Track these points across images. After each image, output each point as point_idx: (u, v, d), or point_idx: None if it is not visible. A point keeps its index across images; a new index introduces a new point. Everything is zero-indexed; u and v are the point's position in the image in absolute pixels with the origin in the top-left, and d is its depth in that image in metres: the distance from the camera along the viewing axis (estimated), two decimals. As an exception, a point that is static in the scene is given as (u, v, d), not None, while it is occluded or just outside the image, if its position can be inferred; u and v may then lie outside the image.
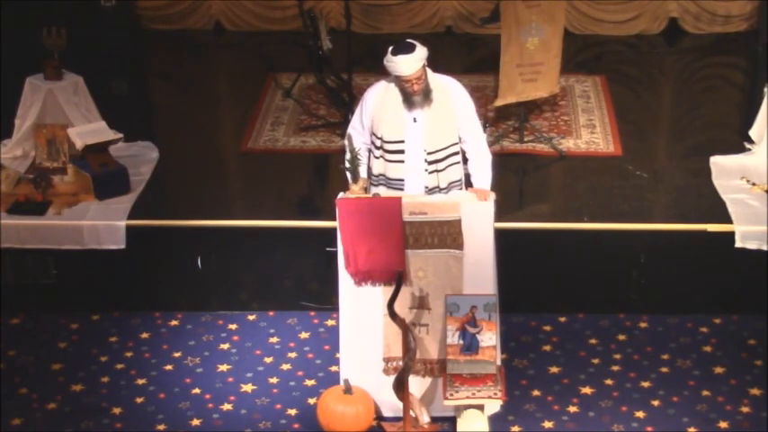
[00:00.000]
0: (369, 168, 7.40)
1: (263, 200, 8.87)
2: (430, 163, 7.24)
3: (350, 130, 7.41)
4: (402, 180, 7.28)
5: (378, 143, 7.27)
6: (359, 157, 7.15)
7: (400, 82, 7.14)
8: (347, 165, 7.16)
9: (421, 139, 7.21)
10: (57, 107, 9.20)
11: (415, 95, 7.14)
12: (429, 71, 7.19)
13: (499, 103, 9.35)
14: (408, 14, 11.66)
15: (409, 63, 7.04)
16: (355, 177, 7.19)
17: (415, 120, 7.20)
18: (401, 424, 7.21)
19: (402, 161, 7.25)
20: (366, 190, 7.27)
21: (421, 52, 7.07)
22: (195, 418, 7.47)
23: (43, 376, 7.86)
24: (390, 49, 7.10)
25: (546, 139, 9.45)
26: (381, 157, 7.28)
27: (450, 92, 7.24)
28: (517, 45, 9.07)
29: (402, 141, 7.22)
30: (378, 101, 7.25)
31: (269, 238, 8.43)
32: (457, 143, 7.30)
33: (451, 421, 7.31)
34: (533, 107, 9.85)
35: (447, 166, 7.28)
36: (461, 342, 7.00)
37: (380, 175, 7.33)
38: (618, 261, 8.32)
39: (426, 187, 7.27)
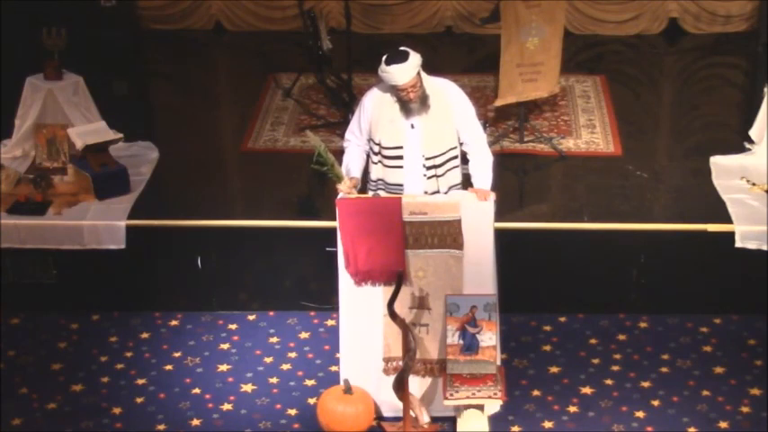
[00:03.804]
0: (367, 173, 7.38)
1: (263, 200, 8.87)
2: (429, 168, 7.22)
3: (348, 134, 7.39)
4: (401, 185, 7.26)
5: (376, 149, 7.25)
6: (323, 155, 7.07)
7: (396, 91, 7.10)
8: (316, 167, 7.12)
9: (419, 144, 7.19)
10: (57, 107, 9.20)
11: (411, 103, 7.11)
12: (424, 75, 7.15)
13: (499, 103, 9.35)
14: (408, 14, 11.67)
15: (403, 72, 6.99)
16: (338, 177, 7.16)
17: (412, 126, 7.18)
18: (401, 424, 7.21)
19: (401, 166, 7.24)
20: (356, 188, 7.25)
21: (414, 59, 7.02)
22: (195, 418, 7.47)
23: (43, 376, 7.87)
24: (384, 58, 7.05)
25: (546, 139, 9.45)
26: (380, 162, 7.27)
27: (447, 96, 7.20)
28: (517, 45, 9.07)
29: (400, 147, 7.20)
30: (375, 107, 7.21)
31: (269, 238, 8.43)
32: (456, 147, 7.28)
33: (451, 421, 7.32)
34: (533, 107, 9.85)
35: (446, 171, 7.26)
36: (461, 342, 7.01)
37: (379, 180, 7.32)
38: (618, 261, 8.32)
39: (426, 192, 7.25)
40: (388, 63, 7.02)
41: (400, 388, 7.05)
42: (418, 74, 7.06)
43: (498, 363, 7.16)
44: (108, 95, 10.02)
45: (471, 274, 7.15)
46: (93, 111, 9.36)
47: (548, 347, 8.05)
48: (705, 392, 7.60)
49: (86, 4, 11.23)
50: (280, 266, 8.42)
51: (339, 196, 7.15)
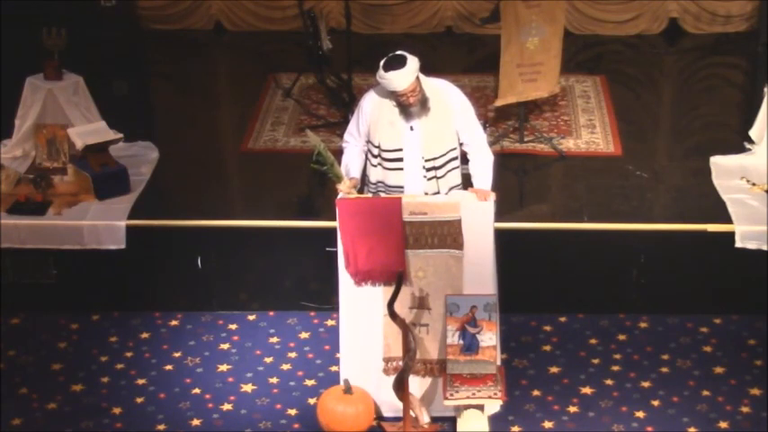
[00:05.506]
0: (366, 175, 7.37)
1: (263, 200, 8.87)
2: (429, 170, 7.21)
3: (346, 136, 7.38)
4: (401, 187, 7.25)
5: (375, 151, 7.24)
6: (323, 153, 7.06)
7: (396, 96, 7.07)
8: (315, 166, 7.12)
9: (419, 146, 7.18)
10: (57, 107, 9.20)
11: (411, 107, 7.10)
12: (423, 78, 7.12)
13: (499, 103, 9.35)
14: (408, 14, 11.67)
15: (402, 77, 6.95)
16: (338, 177, 7.16)
17: (411, 128, 7.16)
18: (401, 424, 7.21)
19: (401, 168, 7.23)
20: (356, 188, 7.24)
21: (413, 64, 6.98)
22: (195, 418, 7.47)
23: (43, 376, 7.86)
24: (382, 64, 7.01)
25: (546, 139, 9.45)
26: (380, 165, 7.26)
27: (446, 97, 7.17)
28: (517, 45, 9.07)
29: (400, 150, 7.19)
30: (374, 109, 7.19)
31: (269, 238, 8.43)
32: (456, 148, 7.27)
33: (451, 421, 7.31)
34: (533, 107, 9.85)
35: (446, 172, 7.25)
36: (461, 342, 7.00)
37: (379, 182, 7.31)
38: (618, 261, 8.32)
39: (426, 193, 7.25)
40: (387, 69, 6.98)
41: (400, 388, 7.05)
42: (417, 78, 7.03)
43: (498, 363, 7.16)
44: (108, 95, 10.02)
45: (471, 274, 7.15)
46: (93, 111, 9.36)
47: (548, 347, 8.05)
48: (705, 392, 7.60)
49: (86, 4, 11.24)
50: (280, 266, 8.42)
51: (339, 196, 7.14)
